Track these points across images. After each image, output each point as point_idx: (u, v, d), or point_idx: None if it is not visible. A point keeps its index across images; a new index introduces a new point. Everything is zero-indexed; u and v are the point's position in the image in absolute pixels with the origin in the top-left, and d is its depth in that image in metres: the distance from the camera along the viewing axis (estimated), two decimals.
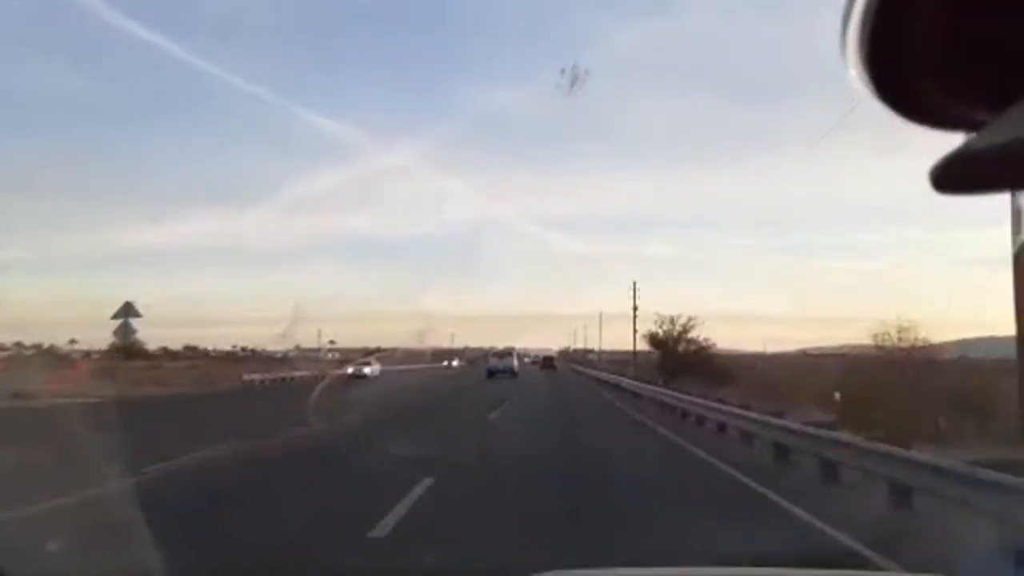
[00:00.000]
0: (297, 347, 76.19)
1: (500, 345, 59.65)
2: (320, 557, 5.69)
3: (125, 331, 26.27)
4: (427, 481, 8.34)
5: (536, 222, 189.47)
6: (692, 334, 41.62)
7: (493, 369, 46.91)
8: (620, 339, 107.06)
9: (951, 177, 0.64)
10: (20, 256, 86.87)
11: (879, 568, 5.25)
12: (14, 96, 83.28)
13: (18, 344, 43.13)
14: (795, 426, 10.87)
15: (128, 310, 25.72)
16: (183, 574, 4.87)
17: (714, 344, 41.85)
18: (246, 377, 37.26)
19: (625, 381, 32.47)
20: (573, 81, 20.34)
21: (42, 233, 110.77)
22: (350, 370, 40.04)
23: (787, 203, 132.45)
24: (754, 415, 12.87)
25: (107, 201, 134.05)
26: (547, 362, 73.44)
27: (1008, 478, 5.75)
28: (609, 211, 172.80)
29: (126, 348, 35.53)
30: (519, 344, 69.33)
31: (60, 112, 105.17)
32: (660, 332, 42.96)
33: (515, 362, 49.10)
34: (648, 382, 29.08)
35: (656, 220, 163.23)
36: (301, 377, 38.68)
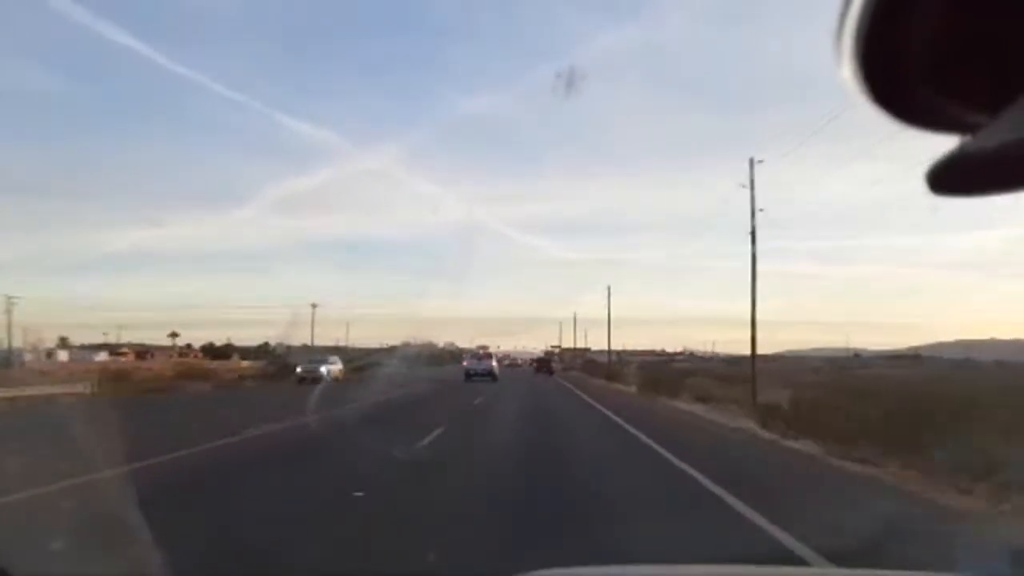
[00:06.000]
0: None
1: (490, 346, 60.14)
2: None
3: None
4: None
5: (519, 227, 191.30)
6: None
7: (471, 371, 45.85)
8: (604, 341, 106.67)
9: (947, 179, 0.65)
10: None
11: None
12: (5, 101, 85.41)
13: None
14: None
15: None
16: (185, 572, 5.01)
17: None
18: None
19: None
20: (568, 85, 19.95)
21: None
22: None
23: (772, 208, 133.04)
24: None
25: (93, 203, 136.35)
26: (542, 364, 65.09)
27: None
28: (591, 216, 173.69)
29: None
30: (505, 346, 68.61)
31: (47, 117, 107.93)
32: None
33: (494, 363, 48.16)
34: None
35: (639, 225, 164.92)
36: None
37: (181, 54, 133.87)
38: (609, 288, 63.36)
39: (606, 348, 71.28)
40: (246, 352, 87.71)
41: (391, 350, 67.98)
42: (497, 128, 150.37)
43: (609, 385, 42.90)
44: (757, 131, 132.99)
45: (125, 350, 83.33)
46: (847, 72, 0.65)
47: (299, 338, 73.19)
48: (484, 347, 58.16)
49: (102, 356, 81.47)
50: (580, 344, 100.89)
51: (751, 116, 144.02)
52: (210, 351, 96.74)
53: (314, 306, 73.07)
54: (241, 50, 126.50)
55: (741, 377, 31.43)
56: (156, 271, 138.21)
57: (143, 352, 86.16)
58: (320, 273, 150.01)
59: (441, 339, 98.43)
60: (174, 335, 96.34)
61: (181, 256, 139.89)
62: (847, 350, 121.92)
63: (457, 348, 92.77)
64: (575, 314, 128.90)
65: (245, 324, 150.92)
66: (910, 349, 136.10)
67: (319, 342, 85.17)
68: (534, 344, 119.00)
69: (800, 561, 5.41)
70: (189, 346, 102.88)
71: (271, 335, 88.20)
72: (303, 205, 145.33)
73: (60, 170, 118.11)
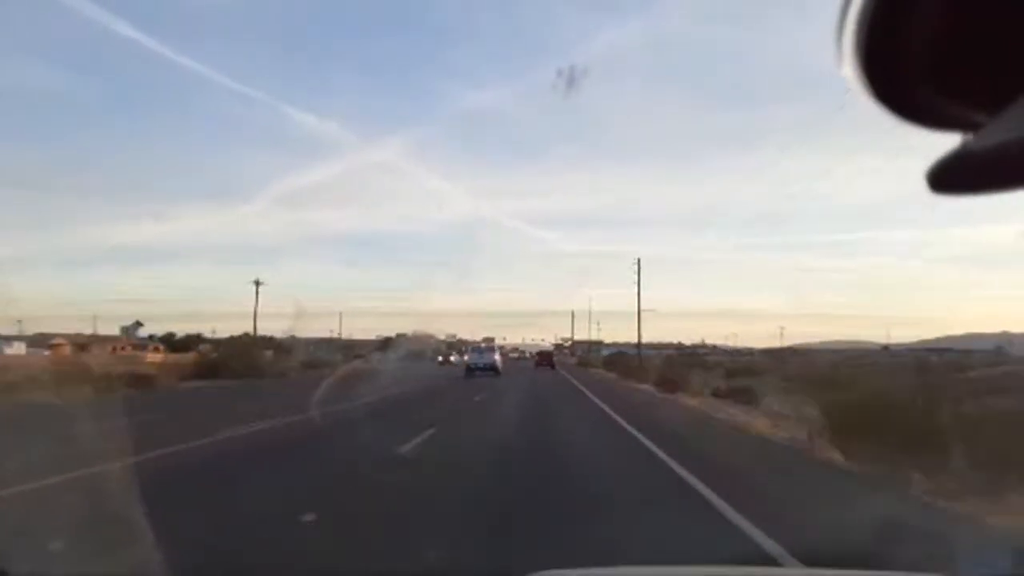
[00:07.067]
0: None
1: (498, 339, 55.46)
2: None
3: None
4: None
5: (525, 219, 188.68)
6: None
7: (472, 365, 41.43)
8: (617, 334, 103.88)
9: (948, 178, 0.64)
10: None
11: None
12: (7, 97, 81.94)
13: None
14: None
15: None
16: (185, 572, 4.93)
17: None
18: None
19: None
20: (570, 82, 20.61)
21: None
22: None
23: (778, 202, 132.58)
24: None
25: (94, 198, 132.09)
26: (543, 359, 61.48)
27: None
28: (598, 209, 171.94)
29: None
30: (514, 339, 64.78)
31: (50, 112, 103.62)
32: None
33: (497, 357, 43.38)
34: None
35: (647, 218, 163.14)
36: None
37: (187, 47, 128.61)
38: (639, 260, 54.51)
39: (620, 340, 65.33)
40: (219, 343, 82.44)
41: (386, 342, 63.29)
42: (502, 123, 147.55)
43: (673, 400, 22.37)
44: (758, 128, 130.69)
45: (60, 340, 76.65)
46: (848, 71, 0.64)
47: (299, 329, 67.52)
48: (489, 339, 53.48)
49: (16, 348, 73.09)
50: (594, 336, 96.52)
51: (753, 111, 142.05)
52: (171, 343, 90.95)
53: (257, 283, 60.29)
54: (246, 46, 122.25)
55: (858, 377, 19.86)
56: (154, 266, 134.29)
57: (84, 344, 79.65)
58: (322, 266, 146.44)
59: (444, 332, 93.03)
60: (137, 324, 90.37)
61: (179, 250, 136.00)
62: (874, 343, 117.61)
63: (459, 341, 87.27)
64: (590, 303, 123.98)
65: (241, 317, 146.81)
66: (921, 342, 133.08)
67: (314, 334, 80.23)
68: (543, 337, 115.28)
69: None
70: (151, 337, 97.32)
71: (265, 327, 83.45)
72: (307, 199, 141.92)
73: (61, 165, 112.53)
